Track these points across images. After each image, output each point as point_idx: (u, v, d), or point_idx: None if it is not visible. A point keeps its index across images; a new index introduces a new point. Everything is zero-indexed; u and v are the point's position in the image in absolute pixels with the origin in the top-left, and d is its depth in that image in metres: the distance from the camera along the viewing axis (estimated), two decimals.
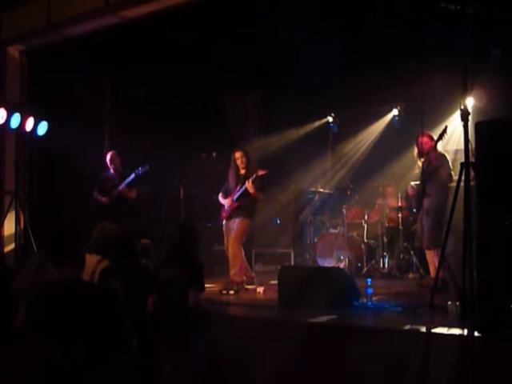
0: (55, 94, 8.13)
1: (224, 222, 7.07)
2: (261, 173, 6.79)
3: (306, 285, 5.29)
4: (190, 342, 4.20)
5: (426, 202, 6.35)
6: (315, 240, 8.78)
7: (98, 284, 3.99)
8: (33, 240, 7.49)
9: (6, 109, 7.39)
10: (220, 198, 7.15)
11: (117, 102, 9.25)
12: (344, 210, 8.57)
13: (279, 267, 6.05)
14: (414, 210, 6.52)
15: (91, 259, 4.29)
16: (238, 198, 6.96)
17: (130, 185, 7.59)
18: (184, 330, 4.20)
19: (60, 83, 8.01)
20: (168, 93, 9.23)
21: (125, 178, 7.59)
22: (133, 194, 7.67)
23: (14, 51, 8.67)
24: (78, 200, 8.31)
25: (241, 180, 6.99)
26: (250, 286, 6.79)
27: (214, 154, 7.91)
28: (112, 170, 7.80)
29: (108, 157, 7.80)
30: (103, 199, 7.67)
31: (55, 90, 8.10)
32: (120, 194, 7.60)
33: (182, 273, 4.24)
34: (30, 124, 7.66)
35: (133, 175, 7.52)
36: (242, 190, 6.91)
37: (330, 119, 9.88)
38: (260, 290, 6.60)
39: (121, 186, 7.57)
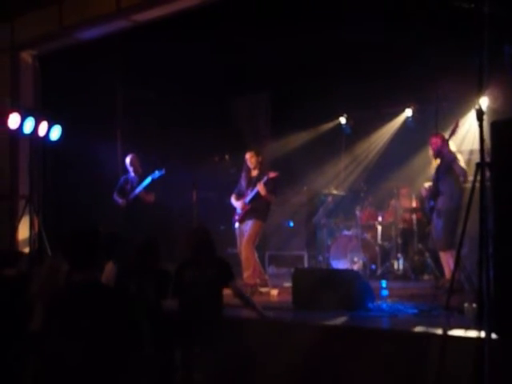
0: (68, 99, 8.18)
1: (237, 224, 7.09)
2: (272, 175, 6.81)
3: (320, 287, 5.30)
4: (212, 347, 4.24)
5: (440, 202, 6.30)
6: (329, 242, 8.76)
7: (115, 287, 4.06)
8: (47, 244, 7.54)
9: (20, 113, 7.44)
10: (233, 200, 7.16)
11: (129, 106, 9.28)
12: (358, 212, 8.54)
13: (293, 270, 6.07)
14: (429, 209, 6.46)
15: (108, 266, 4.40)
16: (250, 201, 6.97)
17: (147, 188, 7.61)
18: (209, 335, 4.24)
19: (72, 87, 8.06)
20: (179, 96, 9.26)
21: (143, 181, 7.63)
22: (151, 197, 7.69)
23: (26, 56, 8.74)
24: (91, 204, 8.37)
25: (252, 182, 7.00)
26: (263, 289, 6.80)
27: (226, 157, 7.89)
28: (132, 173, 7.85)
29: (127, 159, 7.84)
30: (120, 201, 7.72)
31: (68, 94, 8.15)
32: (137, 198, 7.63)
33: (208, 272, 4.33)
34: (43, 128, 7.71)
35: (149, 179, 7.54)
36: (254, 193, 6.92)
37: (343, 120, 9.86)
38: (274, 292, 6.61)
39: (137, 190, 7.60)
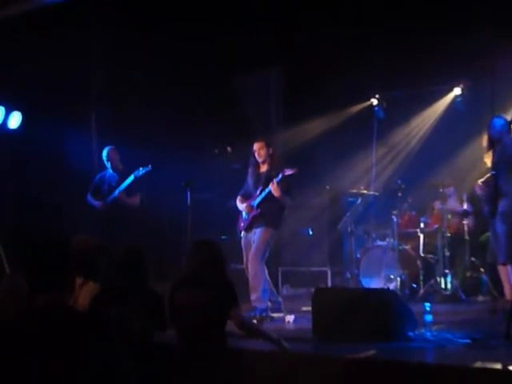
0: (30, 79, 8.23)
1: (242, 233, 7.15)
2: (288, 172, 6.84)
3: (347, 312, 5.33)
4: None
5: (502, 205, 6.30)
6: (358, 255, 8.78)
7: (91, 313, 4.07)
8: (4, 259, 7.58)
9: None
10: (238, 203, 7.22)
11: (107, 87, 9.32)
12: (394, 217, 8.54)
13: (313, 290, 6.12)
14: (486, 215, 6.45)
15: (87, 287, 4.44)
16: (259, 204, 7.02)
17: (129, 189, 7.70)
18: (210, 374, 4.27)
19: (36, 65, 8.12)
20: (169, 74, 9.32)
21: (123, 181, 7.72)
22: (134, 200, 7.80)
23: None
24: (60, 208, 8.46)
25: (262, 180, 7.06)
26: (276, 314, 6.84)
27: (228, 149, 7.96)
28: (110, 170, 7.93)
29: (104, 153, 7.92)
30: (96, 204, 7.81)
31: (30, 73, 8.20)
32: (117, 201, 7.73)
33: (206, 294, 4.37)
34: None
35: (132, 177, 7.63)
36: (264, 193, 6.97)
37: (375, 102, 9.81)
38: (289, 318, 6.64)
39: (116, 191, 7.70)
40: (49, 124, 8.21)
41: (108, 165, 7.91)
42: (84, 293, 4.51)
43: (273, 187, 6.85)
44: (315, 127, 10.02)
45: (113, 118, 9.18)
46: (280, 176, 6.83)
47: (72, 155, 8.55)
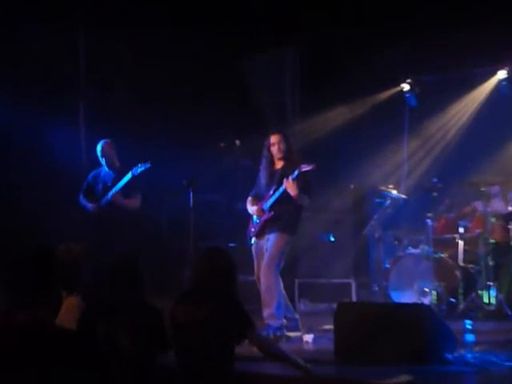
0: (8, 63, 8.26)
1: (253, 240, 7.13)
2: (305, 168, 6.80)
3: (374, 330, 5.33)
4: None
5: None
6: (387, 265, 8.74)
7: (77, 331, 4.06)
8: None
9: None
10: (248, 205, 7.21)
11: (96, 70, 9.32)
12: (429, 221, 8.46)
13: (335, 305, 6.11)
14: None
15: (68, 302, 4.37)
16: (273, 205, 6.97)
17: (127, 190, 7.69)
18: None
19: (11, 42, 8.13)
20: (168, 55, 9.29)
21: (120, 180, 7.71)
22: (133, 202, 7.80)
23: None
24: (43, 212, 8.44)
25: (276, 178, 7.02)
26: (292, 333, 6.83)
27: (236, 142, 7.90)
28: (106, 167, 7.92)
29: (99, 148, 7.90)
30: (90, 206, 7.83)
31: (8, 56, 8.23)
32: (113, 203, 7.74)
33: (208, 311, 4.36)
34: None
35: (130, 175, 7.61)
36: (278, 193, 6.93)
37: (406, 87, 9.76)
38: (308, 338, 6.64)
39: (111, 192, 7.70)
40: (29, 114, 8.24)
41: (103, 161, 7.89)
42: (66, 308, 4.42)
43: (288, 185, 6.80)
44: (337, 117, 10.00)
45: (103, 108, 9.20)
46: (296, 172, 6.78)
47: (57, 150, 8.58)
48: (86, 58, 9.28)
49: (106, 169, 7.92)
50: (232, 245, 8.78)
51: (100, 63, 9.29)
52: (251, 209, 7.14)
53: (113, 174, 7.87)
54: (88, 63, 9.29)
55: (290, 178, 6.79)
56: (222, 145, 7.98)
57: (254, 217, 7.11)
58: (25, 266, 3.05)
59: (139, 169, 7.60)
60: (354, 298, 8.91)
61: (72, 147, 8.87)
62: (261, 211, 7.02)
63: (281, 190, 6.90)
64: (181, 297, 4.59)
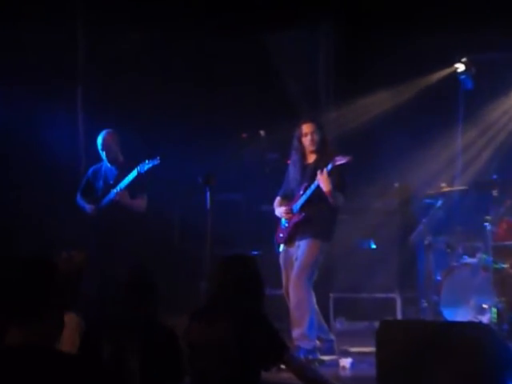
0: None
1: (281, 247, 7.14)
2: (340, 161, 6.78)
3: (423, 353, 5.30)
4: None
5: None
6: (438, 277, 8.65)
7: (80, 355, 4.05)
8: None
9: None
10: (275, 206, 7.22)
11: (97, 52, 9.32)
12: (488, 225, 8.39)
13: (377, 324, 6.05)
14: None
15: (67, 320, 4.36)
16: (304, 205, 6.95)
17: (132, 189, 7.69)
18: None
19: (7, 30, 8.20)
20: (180, 34, 9.32)
21: (125, 176, 7.70)
22: (139, 203, 7.79)
23: None
24: (38, 213, 8.45)
25: (308, 174, 7.01)
26: (327, 357, 6.85)
27: (261, 133, 7.91)
28: (108, 162, 7.92)
29: (100, 140, 7.89)
30: (88, 208, 7.83)
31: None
32: (117, 204, 7.73)
33: (228, 330, 4.33)
34: None
35: (135, 172, 7.60)
36: (310, 191, 6.92)
37: (461, 68, 9.65)
38: (345, 362, 6.67)
39: (115, 190, 7.67)
40: (21, 102, 8.26)
41: (103, 155, 7.88)
42: (65, 327, 4.44)
43: (322, 178, 6.77)
44: (378, 104, 9.96)
45: (105, 93, 9.20)
46: (330, 166, 6.76)
47: (51, 141, 8.60)
48: (88, 37, 9.29)
49: (108, 164, 7.92)
50: (256, 253, 8.77)
51: (103, 44, 9.31)
52: (279, 210, 7.15)
53: (115, 169, 7.90)
54: (89, 45, 9.31)
55: (325, 170, 6.76)
56: (244, 136, 8.00)
57: (283, 220, 7.13)
58: (18, 277, 3.02)
59: (146, 165, 7.60)
60: (399, 316, 8.86)
61: (68, 138, 8.93)
62: (290, 213, 7.02)
63: (313, 187, 6.90)
64: (196, 313, 4.57)
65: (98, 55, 9.29)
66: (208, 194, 7.15)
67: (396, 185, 9.43)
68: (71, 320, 4.52)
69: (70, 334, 4.48)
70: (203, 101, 9.45)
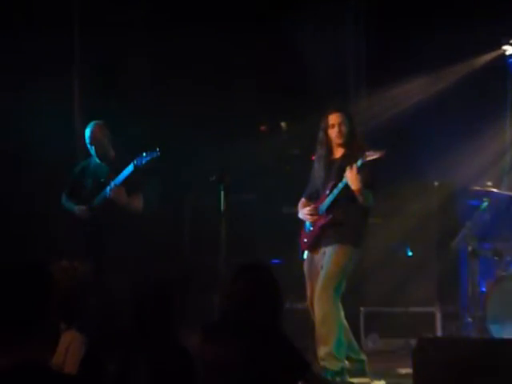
0: None
1: (305, 254, 7.16)
2: (371, 156, 6.78)
3: (467, 375, 5.27)
4: None
5: None
6: (483, 288, 8.68)
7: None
8: None
9: None
10: (300, 207, 7.21)
11: (95, 35, 9.32)
12: None
13: (414, 342, 6.16)
14: None
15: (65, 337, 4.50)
16: (331, 206, 6.95)
17: (127, 186, 7.69)
18: None
19: None
20: (188, 14, 9.35)
21: (118, 173, 7.69)
22: (135, 202, 7.79)
23: None
24: (32, 216, 8.56)
25: (335, 171, 7.01)
26: (357, 379, 6.87)
27: (282, 125, 7.92)
28: (97, 158, 7.94)
29: (88, 132, 7.91)
30: (77, 210, 7.84)
31: None
32: (110, 204, 7.71)
33: (243, 349, 4.33)
34: None
35: (131, 167, 7.59)
36: (338, 190, 6.92)
37: (510, 50, 9.62)
38: None
39: (109, 187, 7.66)
40: (11, 92, 8.37)
41: (92, 151, 7.89)
42: (65, 345, 4.55)
43: (351, 175, 6.75)
44: (414, 92, 9.99)
45: (104, 83, 9.28)
46: (360, 161, 6.75)
47: (44, 137, 8.64)
48: (82, 22, 9.35)
49: (97, 160, 7.92)
50: (276, 261, 8.86)
51: (101, 28, 9.31)
52: (303, 212, 7.14)
53: (106, 166, 7.90)
54: (85, 28, 9.36)
55: (355, 165, 6.74)
56: (262, 129, 8.00)
57: (307, 223, 7.12)
58: (13, 290, 3.04)
59: (144, 159, 7.58)
60: (439, 333, 8.87)
61: (63, 133, 8.97)
62: (315, 214, 7.01)
63: (340, 185, 6.89)
64: (209, 330, 4.60)
65: (95, 48, 9.33)
66: (222, 194, 7.13)
67: (435, 183, 9.39)
68: (73, 338, 4.57)
69: (72, 352, 4.51)
70: (217, 89, 9.48)
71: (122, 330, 4.66)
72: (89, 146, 7.89)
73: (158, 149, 7.58)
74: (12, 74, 8.47)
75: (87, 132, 7.88)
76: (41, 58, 8.81)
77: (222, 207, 7.16)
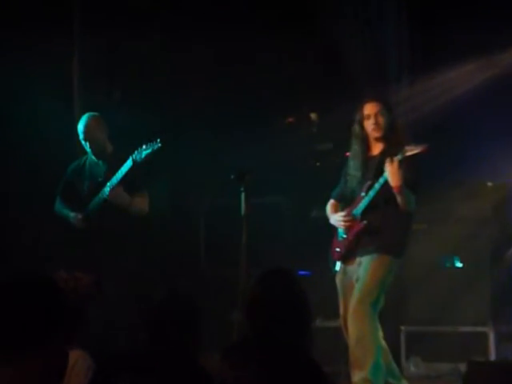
0: None
1: (338, 265, 7.17)
2: (412, 151, 6.76)
3: None
4: None
5: None
6: None
7: None
8: None
9: None
10: (329, 211, 7.26)
11: (97, 20, 9.39)
12: None
13: (463, 366, 6.27)
14: None
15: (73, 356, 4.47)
16: (367, 210, 6.95)
17: (127, 184, 7.72)
18: None
19: None
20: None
21: (115, 171, 7.71)
22: (139, 202, 7.84)
23: None
24: (31, 223, 8.65)
25: (373, 170, 7.02)
26: None
27: (312, 117, 7.92)
28: (92, 155, 7.97)
29: (81, 127, 7.94)
30: (73, 216, 7.87)
31: None
32: (108, 206, 7.76)
33: (269, 371, 4.30)
34: None
35: (129, 164, 7.60)
36: (374, 192, 6.91)
37: None
38: None
39: (107, 189, 7.71)
40: (8, 86, 8.47)
41: (87, 147, 7.91)
42: (69, 366, 4.48)
43: (391, 169, 6.70)
44: (463, 80, 10.01)
45: (108, 71, 9.42)
46: (400, 156, 6.72)
47: (40, 133, 8.75)
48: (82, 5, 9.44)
49: (93, 157, 7.96)
50: (304, 272, 8.88)
51: (101, 12, 9.40)
52: (334, 217, 7.14)
53: (103, 163, 7.93)
54: (84, 12, 9.41)
55: (396, 158, 6.70)
56: (289, 120, 7.98)
57: (340, 230, 7.12)
58: (16, 305, 3.07)
59: (143, 152, 7.56)
60: (492, 356, 8.78)
61: (61, 127, 9.00)
62: (349, 220, 7.00)
63: (377, 186, 6.87)
64: (228, 350, 4.56)
65: (97, 27, 9.37)
66: (242, 195, 7.14)
67: (489, 184, 9.35)
68: (79, 358, 4.54)
69: (77, 374, 4.50)
70: (238, 75, 9.52)
71: (130, 350, 4.64)
72: (83, 141, 7.89)
73: (158, 140, 7.53)
74: (11, 72, 8.56)
75: (81, 126, 7.89)
76: (40, 53, 8.90)
77: (243, 211, 7.15)
